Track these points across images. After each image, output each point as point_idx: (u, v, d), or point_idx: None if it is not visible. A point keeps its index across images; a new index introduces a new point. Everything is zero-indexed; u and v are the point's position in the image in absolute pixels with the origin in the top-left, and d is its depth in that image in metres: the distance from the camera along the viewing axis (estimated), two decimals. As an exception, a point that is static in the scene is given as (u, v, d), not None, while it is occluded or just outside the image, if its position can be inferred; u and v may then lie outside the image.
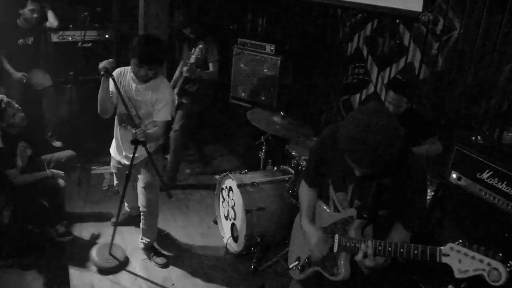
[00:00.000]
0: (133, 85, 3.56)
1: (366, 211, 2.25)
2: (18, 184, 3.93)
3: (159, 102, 3.55)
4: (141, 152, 3.56)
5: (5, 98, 3.91)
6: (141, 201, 3.92)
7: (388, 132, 1.94)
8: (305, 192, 2.63)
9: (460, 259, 1.73)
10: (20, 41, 5.27)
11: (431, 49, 4.42)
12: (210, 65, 4.93)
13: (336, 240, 2.33)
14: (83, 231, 4.38)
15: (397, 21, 4.74)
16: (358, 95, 5.38)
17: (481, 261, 1.69)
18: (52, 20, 5.42)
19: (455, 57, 4.18)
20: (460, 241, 1.85)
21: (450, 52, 4.26)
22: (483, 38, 3.86)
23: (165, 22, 5.91)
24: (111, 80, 3.39)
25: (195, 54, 4.70)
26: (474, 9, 3.92)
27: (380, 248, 2.13)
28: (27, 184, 3.97)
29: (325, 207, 2.50)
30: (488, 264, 1.66)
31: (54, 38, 5.66)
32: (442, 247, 1.83)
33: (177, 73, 5.30)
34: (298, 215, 2.72)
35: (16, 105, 3.96)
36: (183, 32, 5.01)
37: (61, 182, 4.11)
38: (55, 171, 4.16)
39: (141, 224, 4.06)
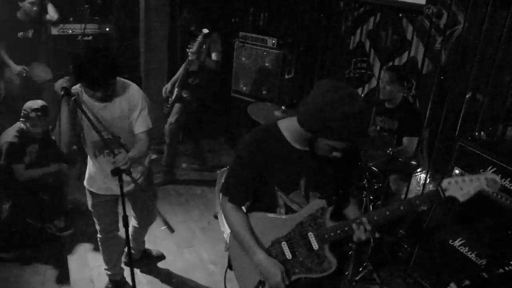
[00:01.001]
0: (96, 104, 2.91)
1: (333, 196, 2.19)
2: (22, 180, 3.97)
3: (133, 110, 2.98)
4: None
5: (45, 108, 4.04)
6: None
7: (359, 95, 1.99)
8: (237, 218, 2.27)
9: (461, 186, 1.93)
10: (20, 34, 5.23)
11: (435, 44, 4.37)
12: (213, 55, 4.94)
13: (313, 238, 2.20)
14: (83, 225, 4.36)
15: (400, 15, 4.69)
16: (360, 89, 5.33)
17: (477, 179, 1.92)
18: (52, 13, 5.38)
19: (458, 52, 4.13)
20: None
21: (453, 47, 4.22)
22: (487, 32, 3.81)
23: (166, 16, 5.87)
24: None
25: (198, 41, 4.69)
26: (478, 3, 3.87)
27: (376, 218, 2.11)
28: (32, 179, 4.01)
29: (273, 216, 2.26)
30: (485, 178, 1.90)
31: (54, 31, 5.61)
32: (441, 185, 1.98)
33: (180, 70, 5.25)
34: (231, 238, 2.44)
35: (44, 122, 4.04)
36: (190, 30, 4.99)
37: (65, 176, 4.12)
38: (57, 165, 4.19)
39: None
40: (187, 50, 4.84)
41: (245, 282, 2.40)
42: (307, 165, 2.14)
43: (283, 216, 2.24)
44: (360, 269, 3.82)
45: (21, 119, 4.00)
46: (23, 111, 3.98)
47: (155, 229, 4.38)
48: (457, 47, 4.14)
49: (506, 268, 2.50)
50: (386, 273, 3.92)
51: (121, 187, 2.64)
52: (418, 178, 4.50)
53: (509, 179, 2.98)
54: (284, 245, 2.26)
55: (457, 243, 3.32)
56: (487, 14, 3.69)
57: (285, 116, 4.18)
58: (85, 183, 3.27)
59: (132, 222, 3.63)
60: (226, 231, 4.31)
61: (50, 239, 4.14)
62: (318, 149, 2.04)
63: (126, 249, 3.58)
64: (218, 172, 4.34)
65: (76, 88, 2.88)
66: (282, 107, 4.25)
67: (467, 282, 2.13)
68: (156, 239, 4.29)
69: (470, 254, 3.22)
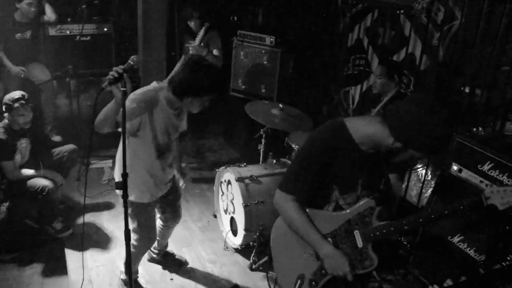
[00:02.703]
0: (171, 110, 3.02)
1: (381, 196, 2.29)
2: (12, 179, 3.95)
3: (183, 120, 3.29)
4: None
5: (25, 96, 3.95)
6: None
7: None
8: (298, 214, 2.28)
9: (502, 196, 2.07)
10: (18, 35, 5.24)
11: (432, 39, 4.35)
12: (215, 51, 4.97)
13: (359, 236, 2.28)
14: (82, 225, 4.36)
15: (398, 11, 4.68)
16: (359, 87, 5.32)
17: None
18: (49, 13, 5.39)
19: (456, 47, 4.12)
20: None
21: (451, 42, 4.20)
22: (485, 27, 3.79)
23: (165, 15, 5.86)
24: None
25: (200, 35, 4.70)
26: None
27: (421, 220, 2.23)
28: (19, 181, 3.98)
29: (322, 213, 2.32)
30: None
31: (52, 31, 5.61)
32: (484, 193, 2.12)
33: (176, 67, 5.24)
34: (276, 229, 2.54)
35: (29, 110, 3.98)
36: (187, 25, 5.00)
37: (50, 184, 4.00)
38: (50, 173, 4.12)
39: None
40: (188, 44, 4.84)
41: (286, 275, 2.47)
42: (368, 167, 2.23)
43: (331, 213, 2.31)
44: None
45: (4, 114, 3.95)
46: (4, 105, 3.91)
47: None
48: (455, 42, 4.12)
49: (503, 263, 2.49)
50: (385, 270, 3.90)
51: (125, 201, 2.48)
52: (419, 174, 4.49)
53: (506, 174, 2.96)
54: (329, 241, 2.31)
55: (456, 239, 3.31)
56: (484, 9, 3.67)
57: (282, 114, 4.19)
58: (132, 198, 3.09)
59: (158, 223, 3.64)
60: (225, 230, 4.31)
61: (48, 240, 4.13)
62: (399, 157, 2.18)
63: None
64: (217, 170, 4.33)
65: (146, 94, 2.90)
66: (280, 105, 4.24)
67: (463, 278, 2.13)
68: (155, 238, 4.29)
69: (469, 250, 3.20)
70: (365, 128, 2.16)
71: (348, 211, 2.28)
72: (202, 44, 4.90)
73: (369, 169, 2.24)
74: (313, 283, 2.35)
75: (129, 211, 3.11)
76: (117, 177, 3.17)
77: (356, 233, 2.29)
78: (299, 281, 2.35)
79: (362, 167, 2.21)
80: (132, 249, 3.22)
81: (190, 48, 4.79)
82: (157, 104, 2.91)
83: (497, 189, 2.08)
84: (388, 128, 2.07)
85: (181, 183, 3.58)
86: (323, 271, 2.33)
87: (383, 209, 2.29)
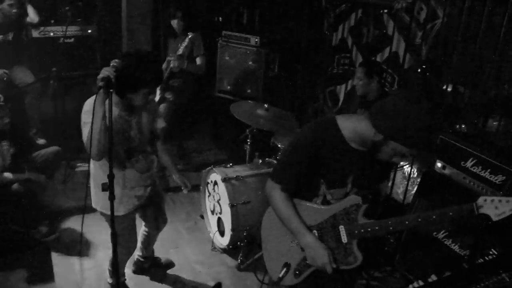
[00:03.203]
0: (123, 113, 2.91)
1: (369, 195, 2.31)
2: (-5, 183, 3.91)
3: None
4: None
5: (1, 98, 3.90)
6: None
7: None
8: (284, 203, 2.34)
9: (496, 206, 2.00)
10: (0, 37, 5.18)
11: (415, 38, 4.40)
12: (198, 59, 4.90)
13: (344, 231, 2.30)
14: (68, 229, 4.33)
15: (381, 11, 4.72)
16: (344, 86, 5.36)
17: None
18: (32, 15, 5.32)
19: (438, 46, 4.17)
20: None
21: (433, 41, 4.25)
22: (466, 25, 3.84)
23: (149, 16, 5.84)
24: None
25: (183, 45, 4.64)
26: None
27: (407, 222, 2.22)
28: (3, 185, 3.92)
29: (309, 204, 2.37)
30: None
31: (35, 33, 5.56)
32: (477, 201, 2.05)
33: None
34: (266, 219, 2.58)
35: (7, 111, 3.93)
36: (170, 25, 4.95)
37: (35, 187, 3.97)
38: (35, 175, 4.08)
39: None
40: (169, 58, 4.77)
41: (273, 262, 2.53)
42: (358, 165, 2.24)
43: (319, 206, 2.34)
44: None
45: None
46: None
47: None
48: (437, 41, 4.17)
49: (486, 258, 2.53)
50: (372, 268, 3.93)
51: (112, 203, 2.47)
52: (405, 172, 4.53)
53: (489, 170, 3.00)
54: (314, 234, 2.35)
55: (441, 235, 3.34)
56: (465, 8, 3.72)
57: (267, 114, 4.20)
58: (105, 211, 3.04)
59: (142, 230, 3.61)
60: (213, 230, 4.31)
61: (34, 245, 4.09)
62: (382, 152, 2.14)
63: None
64: (203, 171, 4.33)
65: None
66: (265, 105, 4.25)
67: (447, 273, 2.16)
68: (142, 240, 4.28)
69: (454, 245, 3.24)
70: (353, 125, 2.20)
71: (334, 205, 2.30)
72: (190, 44, 4.80)
73: (360, 168, 2.25)
74: (297, 272, 2.40)
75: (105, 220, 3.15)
76: (93, 190, 3.14)
77: (341, 228, 2.30)
78: (284, 269, 2.39)
79: (352, 164, 2.22)
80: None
81: (171, 61, 4.72)
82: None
83: (491, 199, 2.01)
84: (370, 120, 2.10)
85: (183, 189, 3.42)
86: (307, 262, 2.36)
87: (370, 207, 2.31)
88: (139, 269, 3.86)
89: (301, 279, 2.41)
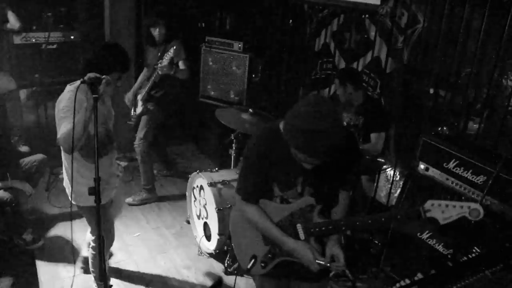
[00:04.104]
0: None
1: (323, 196, 2.35)
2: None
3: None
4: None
5: None
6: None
7: (336, 116, 2.01)
8: (255, 213, 2.41)
9: (443, 210, 2.02)
10: (-19, 44, 5.13)
11: (397, 43, 4.47)
12: (180, 63, 4.84)
13: (301, 230, 2.36)
14: (53, 236, 4.30)
15: (363, 15, 4.79)
16: (327, 90, 5.41)
17: (461, 207, 2.01)
18: (13, 21, 5.26)
19: (419, 50, 4.24)
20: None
21: (415, 45, 4.33)
22: (446, 30, 3.92)
23: (132, 22, 5.84)
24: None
25: (169, 55, 4.57)
26: (437, 2, 3.99)
27: (357, 224, 2.27)
28: None
29: (268, 202, 2.43)
30: (468, 207, 1.99)
31: (17, 40, 5.49)
32: (424, 205, 2.05)
33: (139, 79, 5.19)
34: (233, 215, 2.70)
35: None
36: (150, 34, 4.86)
37: (19, 195, 3.92)
38: (19, 183, 4.03)
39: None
40: (156, 67, 4.74)
41: (242, 256, 2.62)
42: (307, 168, 2.22)
43: (278, 204, 2.40)
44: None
45: None
46: None
47: (127, 237, 4.37)
48: (418, 45, 4.25)
49: (469, 256, 2.59)
50: (358, 269, 3.98)
51: (98, 207, 2.45)
52: (388, 175, 4.60)
53: (471, 171, 3.07)
54: (289, 237, 2.40)
55: (425, 235, 3.40)
56: (445, 12, 3.79)
57: (252, 119, 4.23)
58: (81, 204, 3.15)
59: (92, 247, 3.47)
60: (199, 235, 4.31)
61: (19, 253, 4.05)
62: (295, 155, 2.13)
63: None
64: (189, 176, 4.33)
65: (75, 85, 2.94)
66: (250, 110, 4.27)
67: (432, 271, 2.21)
68: (128, 246, 4.26)
69: (438, 245, 3.30)
70: None
71: (292, 204, 2.38)
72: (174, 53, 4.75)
73: (308, 169, 2.22)
74: (262, 264, 2.49)
75: (85, 216, 3.31)
76: (67, 188, 3.21)
77: (299, 227, 2.37)
78: (252, 261, 2.49)
79: (298, 166, 2.21)
80: (93, 251, 3.37)
81: (158, 68, 4.68)
82: (83, 100, 2.86)
83: (438, 203, 2.03)
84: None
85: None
86: (269, 255, 2.47)
87: (325, 207, 2.39)
88: (88, 266, 3.77)
89: (268, 269, 2.50)
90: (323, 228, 2.31)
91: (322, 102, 2.02)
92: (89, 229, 3.51)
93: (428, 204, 2.05)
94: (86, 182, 2.98)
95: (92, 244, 3.41)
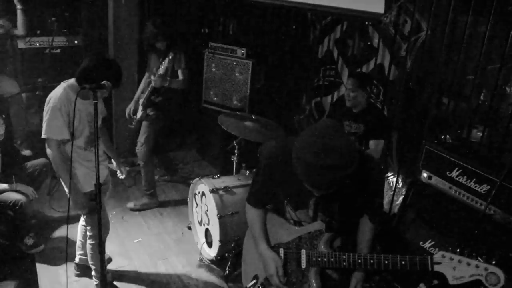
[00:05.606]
0: (86, 101, 3.34)
1: (335, 224, 2.23)
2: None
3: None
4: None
5: None
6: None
7: (344, 151, 1.87)
8: (254, 214, 2.48)
9: (455, 266, 1.73)
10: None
11: (400, 50, 4.47)
12: (179, 72, 4.83)
13: (304, 256, 2.26)
14: (54, 240, 4.29)
15: (366, 23, 4.78)
16: (329, 97, 5.41)
17: (477, 266, 1.69)
18: (20, 27, 5.30)
19: (423, 58, 4.23)
20: (450, 248, 1.80)
21: (418, 53, 4.32)
22: (450, 38, 3.91)
23: (136, 27, 5.84)
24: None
25: (164, 65, 4.58)
26: (440, 10, 3.98)
27: (360, 261, 2.12)
28: None
29: (284, 221, 2.38)
30: (485, 269, 1.67)
31: (21, 44, 5.53)
32: (434, 255, 1.79)
33: (141, 85, 5.19)
34: (248, 231, 2.66)
35: (1, 122, 4.01)
36: (153, 44, 4.85)
37: (23, 198, 3.91)
38: (23, 186, 4.03)
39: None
40: (149, 79, 4.74)
41: (247, 272, 2.62)
42: (316, 195, 2.18)
43: (289, 224, 2.36)
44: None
45: None
46: None
47: (128, 243, 4.36)
48: (422, 53, 4.24)
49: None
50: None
51: (99, 211, 2.54)
52: (391, 182, 4.58)
53: (474, 179, 3.05)
54: (281, 252, 2.35)
55: (427, 244, 3.37)
56: (448, 20, 3.79)
57: (254, 125, 4.22)
58: (80, 188, 3.34)
59: (81, 222, 3.70)
60: (200, 241, 4.29)
61: (20, 257, 4.04)
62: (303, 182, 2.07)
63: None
64: (191, 182, 4.32)
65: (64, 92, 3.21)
66: (252, 116, 4.27)
67: (435, 282, 2.17)
68: (129, 252, 4.25)
69: (440, 254, 3.28)
70: None
71: (303, 228, 2.30)
72: (170, 63, 4.74)
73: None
74: (260, 286, 2.44)
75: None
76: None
77: (303, 253, 2.28)
78: (254, 281, 2.45)
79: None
80: (92, 241, 3.47)
81: (152, 80, 4.68)
82: (71, 99, 3.16)
83: (450, 256, 1.76)
84: None
85: (119, 174, 3.80)
86: (268, 280, 2.38)
87: (333, 237, 2.27)
88: (82, 270, 3.86)
89: None
90: (325, 260, 2.20)
91: (333, 133, 1.91)
92: (81, 220, 3.66)
93: (438, 255, 1.82)
94: (78, 167, 3.33)
95: (89, 233, 3.51)
